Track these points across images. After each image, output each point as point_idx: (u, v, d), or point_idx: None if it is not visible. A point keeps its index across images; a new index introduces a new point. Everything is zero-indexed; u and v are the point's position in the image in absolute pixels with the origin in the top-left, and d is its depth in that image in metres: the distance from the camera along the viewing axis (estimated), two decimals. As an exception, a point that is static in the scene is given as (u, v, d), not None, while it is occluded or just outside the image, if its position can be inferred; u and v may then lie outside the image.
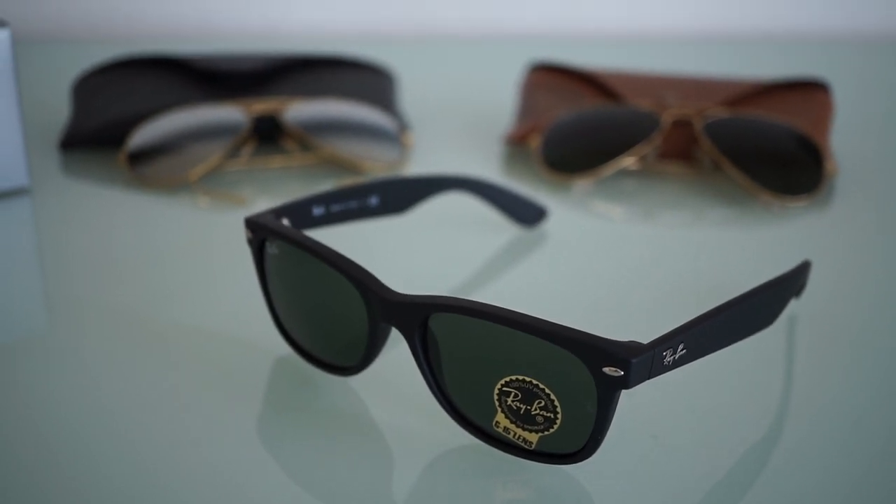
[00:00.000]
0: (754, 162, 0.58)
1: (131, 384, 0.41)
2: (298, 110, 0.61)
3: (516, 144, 0.64)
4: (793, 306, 0.45)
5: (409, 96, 0.71)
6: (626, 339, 0.33)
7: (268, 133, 0.61)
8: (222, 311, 0.46)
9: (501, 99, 0.70)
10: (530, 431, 0.35)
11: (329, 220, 0.44)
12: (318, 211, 0.44)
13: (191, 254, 0.51)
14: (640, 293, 0.49)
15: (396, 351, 0.39)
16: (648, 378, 0.33)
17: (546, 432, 0.34)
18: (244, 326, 0.44)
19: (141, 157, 0.59)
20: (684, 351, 0.34)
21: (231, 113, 0.60)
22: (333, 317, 0.39)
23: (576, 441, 0.34)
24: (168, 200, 0.57)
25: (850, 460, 0.37)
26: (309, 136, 0.60)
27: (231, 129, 0.60)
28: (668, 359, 0.33)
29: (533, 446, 0.35)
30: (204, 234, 0.54)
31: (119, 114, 0.61)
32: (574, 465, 0.35)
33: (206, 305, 0.46)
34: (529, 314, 0.33)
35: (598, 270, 0.51)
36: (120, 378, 0.41)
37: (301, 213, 0.43)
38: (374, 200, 0.47)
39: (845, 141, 0.65)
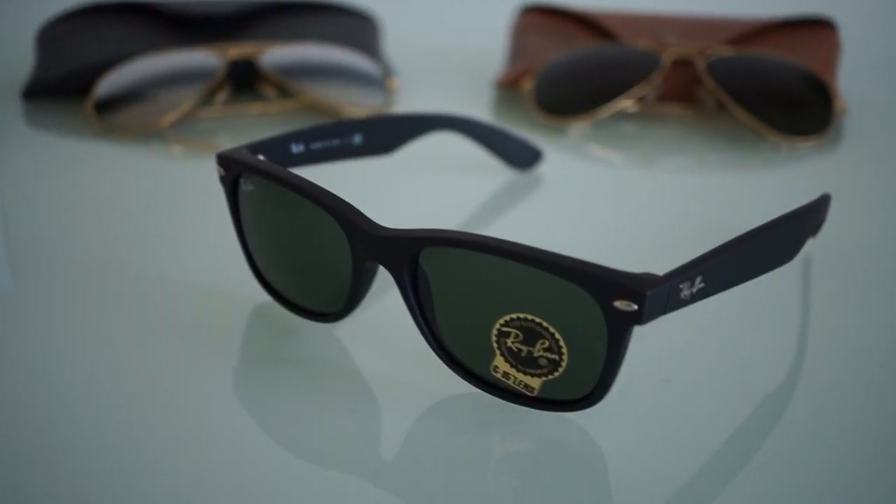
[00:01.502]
0: (760, 101, 0.55)
1: (99, 339, 0.37)
2: (276, 54, 0.57)
3: (508, 88, 0.60)
4: (809, 246, 0.42)
5: (394, 43, 0.67)
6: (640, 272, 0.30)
7: (244, 78, 0.58)
8: (196, 261, 0.42)
9: (491, 44, 0.67)
10: (532, 376, 0.32)
11: (309, 158, 0.41)
12: (296, 148, 0.40)
13: (162, 203, 0.48)
14: (642, 238, 0.46)
15: (384, 294, 0.36)
16: (664, 313, 0.30)
17: (550, 376, 0.31)
18: (219, 275, 0.41)
19: (109, 106, 0.55)
20: (702, 284, 0.31)
21: (204, 58, 0.57)
22: (314, 258, 0.36)
23: (582, 385, 0.31)
24: (138, 150, 0.54)
25: (872, 405, 0.34)
26: (288, 80, 0.57)
27: (205, 75, 0.56)
28: (686, 292, 0.30)
29: (535, 392, 0.32)
30: (177, 183, 0.50)
31: (85, 61, 0.57)
32: (580, 412, 0.32)
33: (178, 256, 0.43)
34: (531, 245, 0.30)
35: (597, 215, 0.48)
36: (87, 333, 0.38)
37: (278, 150, 0.40)
38: (357, 139, 0.43)
39: (853, 81, 0.62)
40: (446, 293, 0.32)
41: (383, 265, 0.33)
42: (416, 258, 0.32)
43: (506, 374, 0.32)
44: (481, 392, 0.33)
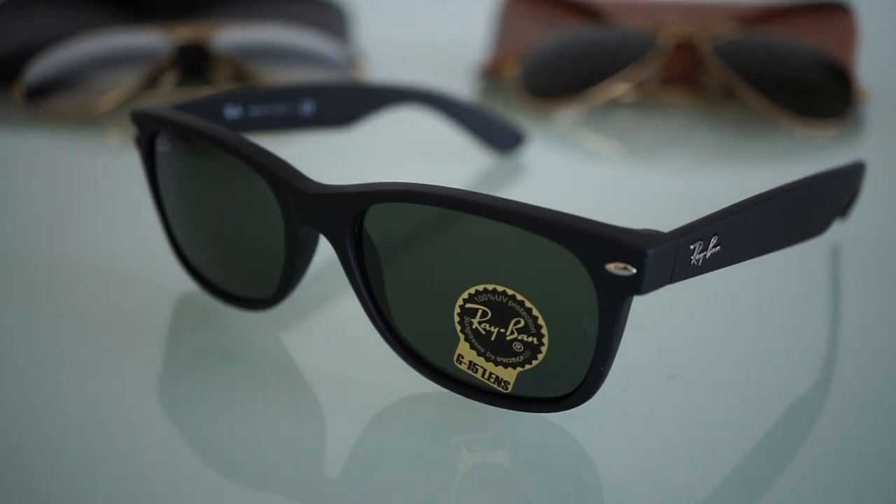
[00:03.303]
0: (773, 85, 0.49)
1: (6, 333, 0.31)
2: (230, 37, 0.52)
3: (490, 78, 0.54)
4: (837, 234, 0.36)
5: (367, 34, 0.61)
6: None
7: (195, 63, 0.52)
8: (121, 250, 0.36)
9: (472, 39, 0.61)
10: (506, 366, 0.25)
11: (246, 125, 0.35)
12: (232, 112, 0.34)
13: (93, 192, 0.42)
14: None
15: (326, 276, 0.30)
16: (670, 282, 0.23)
17: (527, 366, 0.25)
18: (144, 264, 0.34)
19: (42, 92, 0.49)
20: (718, 248, 0.24)
21: (149, 39, 0.51)
22: (242, 231, 0.29)
23: (568, 378, 0.24)
24: (72, 137, 0.47)
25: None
26: (243, 63, 0.51)
27: (150, 57, 0.50)
28: (697, 256, 0.24)
29: (510, 388, 0.25)
30: (111, 172, 0.44)
31: (15, 43, 0.52)
32: (566, 412, 0.25)
33: (100, 244, 0.37)
34: (500, 196, 0.24)
35: (586, 208, 0.42)
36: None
37: (209, 112, 0.33)
38: (308, 107, 0.37)
39: (872, 70, 0.56)
40: (398, 263, 0.26)
41: (321, 231, 0.27)
42: (359, 220, 0.26)
43: (473, 366, 0.26)
44: (444, 390, 0.27)
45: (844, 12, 0.56)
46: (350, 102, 0.39)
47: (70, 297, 0.33)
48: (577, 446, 0.26)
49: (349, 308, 0.28)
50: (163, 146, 0.30)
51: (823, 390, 0.29)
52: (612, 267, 0.23)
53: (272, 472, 0.26)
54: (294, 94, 0.36)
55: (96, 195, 0.42)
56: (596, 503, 0.25)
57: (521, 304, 0.24)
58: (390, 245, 0.26)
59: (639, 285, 0.23)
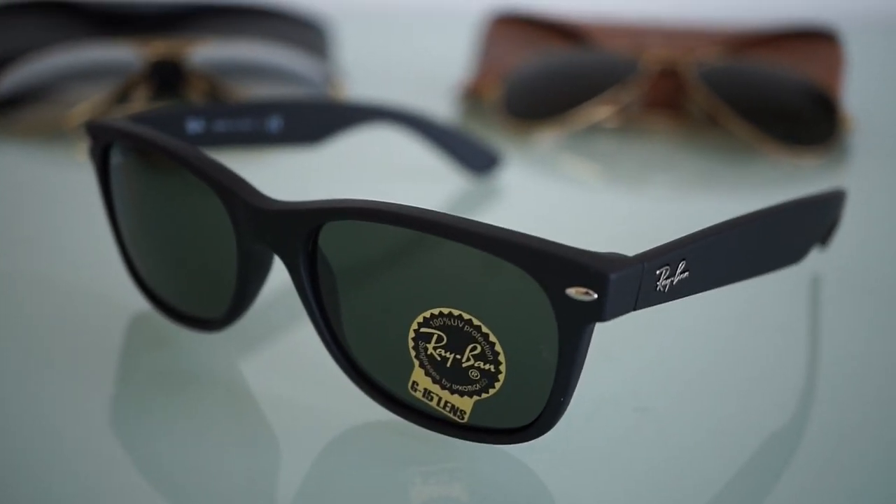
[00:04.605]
0: (759, 112, 0.48)
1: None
2: (206, 53, 0.50)
3: (472, 98, 0.53)
4: (818, 264, 0.35)
5: (348, 53, 0.60)
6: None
7: (168, 79, 0.50)
8: (85, 266, 0.35)
9: (455, 58, 0.60)
10: (462, 395, 0.24)
11: (209, 140, 0.33)
12: (194, 126, 0.33)
13: (57, 207, 0.41)
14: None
15: (280, 297, 0.28)
16: (634, 308, 0.22)
17: (484, 395, 0.24)
18: (107, 281, 0.33)
19: (12, 103, 0.48)
20: (686, 274, 0.23)
21: (122, 53, 0.50)
22: (195, 247, 0.28)
23: (528, 408, 0.23)
24: (40, 151, 0.46)
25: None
26: (218, 80, 0.49)
27: (122, 71, 0.49)
28: (664, 282, 0.23)
29: (466, 417, 0.24)
30: (77, 187, 0.43)
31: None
32: (525, 444, 0.24)
33: (65, 259, 0.36)
34: (462, 216, 0.23)
35: (563, 236, 0.41)
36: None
37: (169, 125, 0.32)
38: (275, 123, 0.36)
39: (859, 99, 0.55)
40: (353, 284, 0.25)
41: (273, 249, 0.25)
42: (313, 238, 0.25)
43: (427, 393, 0.24)
44: (399, 419, 0.25)
45: (831, 39, 0.55)
46: (319, 119, 0.38)
47: (25, 313, 0.32)
48: (537, 480, 0.25)
49: (308, 331, 0.27)
50: (116, 158, 0.29)
51: (799, 426, 0.28)
52: (572, 292, 0.21)
53: (222, 500, 0.24)
54: (261, 108, 0.35)
55: (61, 210, 0.41)
56: (555, 540, 0.24)
57: (478, 329, 0.23)
58: (345, 265, 0.25)
59: (600, 312, 0.21)
